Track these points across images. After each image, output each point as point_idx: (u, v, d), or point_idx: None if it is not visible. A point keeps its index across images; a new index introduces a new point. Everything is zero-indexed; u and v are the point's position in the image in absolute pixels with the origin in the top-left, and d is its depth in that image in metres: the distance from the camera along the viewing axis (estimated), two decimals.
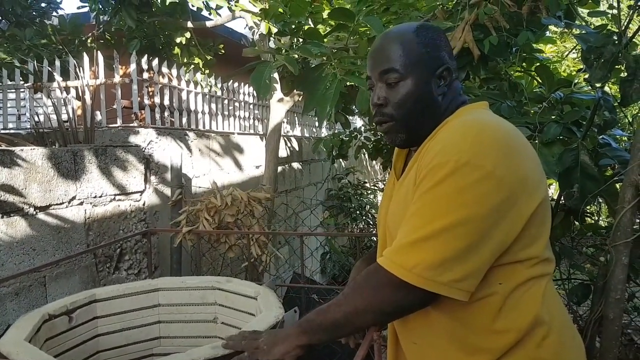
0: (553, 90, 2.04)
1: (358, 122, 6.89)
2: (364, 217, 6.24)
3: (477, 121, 0.91)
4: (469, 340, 0.89)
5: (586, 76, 1.83)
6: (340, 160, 5.97)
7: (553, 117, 1.98)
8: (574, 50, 4.36)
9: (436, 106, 0.96)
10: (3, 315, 1.82)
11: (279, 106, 3.79)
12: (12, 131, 3.25)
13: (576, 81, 2.07)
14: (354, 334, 1.00)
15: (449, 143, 0.86)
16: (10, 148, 2.07)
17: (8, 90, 3.39)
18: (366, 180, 7.43)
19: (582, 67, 1.92)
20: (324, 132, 6.33)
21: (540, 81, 2.17)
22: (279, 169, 4.31)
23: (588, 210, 2.58)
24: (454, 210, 0.81)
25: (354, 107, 3.51)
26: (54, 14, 5.03)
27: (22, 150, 1.97)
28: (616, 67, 1.79)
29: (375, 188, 7.19)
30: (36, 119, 2.96)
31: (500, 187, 0.83)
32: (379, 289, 0.86)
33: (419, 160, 0.92)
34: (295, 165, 5.25)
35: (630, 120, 2.51)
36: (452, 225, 0.81)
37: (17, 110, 3.35)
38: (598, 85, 1.81)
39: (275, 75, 3.22)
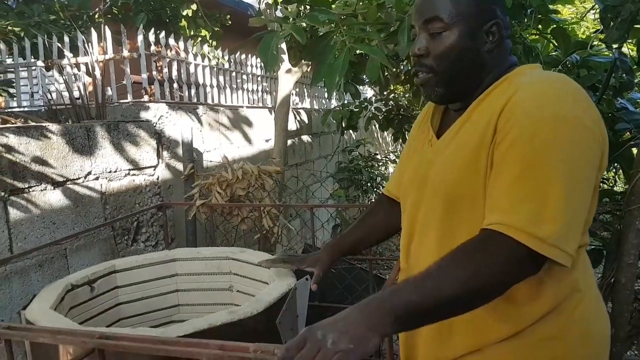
0: (569, 54, 1.96)
1: (368, 92, 6.82)
2: (374, 190, 6.24)
3: (560, 76, 0.86)
4: (505, 308, 0.85)
5: (603, 37, 1.78)
6: (351, 132, 5.94)
7: None
8: (592, 10, 4.20)
9: (481, 63, 0.90)
10: (28, 285, 1.90)
11: (287, 77, 3.76)
12: (25, 109, 3.29)
13: (594, 43, 2.00)
14: (452, 317, 0.79)
15: (542, 98, 0.80)
16: (26, 125, 2.11)
17: (20, 69, 3.42)
18: (377, 152, 7.39)
19: (600, 28, 1.85)
20: (334, 104, 6.29)
21: (556, 44, 2.08)
22: (289, 142, 4.31)
23: (604, 177, 2.54)
24: (569, 171, 0.76)
25: (364, 76, 3.47)
26: None
27: (37, 127, 2.01)
28: (635, 26, 1.70)
29: (387, 160, 7.15)
30: (49, 96, 2.99)
31: (598, 145, 0.81)
32: (507, 260, 0.75)
33: (487, 116, 0.85)
34: (305, 138, 5.25)
35: None
36: (571, 189, 0.76)
37: (30, 88, 3.38)
38: (615, 46, 1.76)
39: (283, 45, 3.18)
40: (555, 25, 2.10)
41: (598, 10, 1.77)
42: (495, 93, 0.88)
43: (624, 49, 1.93)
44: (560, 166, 0.76)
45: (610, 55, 1.86)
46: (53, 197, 2.04)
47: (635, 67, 1.85)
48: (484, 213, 0.82)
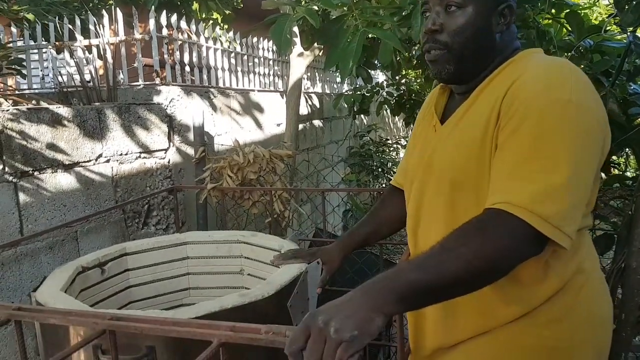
0: (583, 38, 1.96)
1: (380, 76, 6.75)
2: (385, 175, 6.22)
3: (563, 61, 0.87)
4: (513, 290, 0.87)
5: (617, 21, 1.76)
6: (362, 117, 5.90)
7: (582, 66, 1.92)
8: None
9: (492, 43, 0.91)
10: (39, 267, 1.91)
11: (299, 61, 3.72)
12: (36, 91, 3.29)
13: (607, 28, 1.97)
14: (457, 296, 0.79)
15: (546, 82, 0.81)
16: (37, 106, 2.10)
17: (31, 51, 3.42)
18: (388, 137, 7.34)
19: (614, 12, 1.83)
20: (345, 88, 6.23)
21: (569, 29, 2.09)
22: (300, 126, 4.28)
23: (615, 162, 2.52)
24: (575, 154, 0.77)
25: (375, 60, 3.43)
26: None
27: (47, 109, 2.00)
28: None
29: (398, 145, 7.11)
30: (60, 78, 2.99)
31: (600, 128, 0.83)
32: (511, 238, 0.76)
33: (491, 100, 0.86)
34: (317, 122, 5.21)
35: None
36: (575, 171, 0.77)
37: (41, 71, 3.38)
38: (630, 29, 1.74)
39: (295, 29, 3.14)
40: (568, 10, 2.09)
41: None
42: (499, 77, 0.89)
43: (638, 34, 1.91)
44: (565, 148, 0.77)
45: (624, 40, 1.84)
46: (64, 180, 2.04)
47: None
48: (488, 194, 0.83)
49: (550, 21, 2.29)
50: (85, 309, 1.18)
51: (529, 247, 0.77)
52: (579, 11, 2.24)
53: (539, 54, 0.93)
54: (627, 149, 2.19)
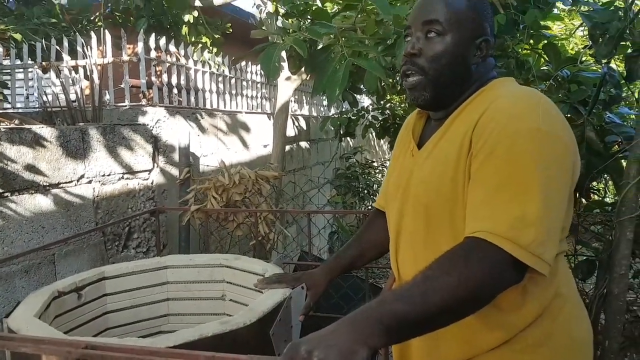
0: (560, 68, 2.04)
1: (365, 101, 6.83)
2: (371, 197, 6.24)
3: (531, 91, 0.90)
4: (494, 316, 0.87)
5: (592, 52, 1.83)
6: (348, 139, 5.95)
7: (560, 95, 1.98)
8: (581, 28, 4.31)
9: (468, 73, 0.94)
10: (13, 292, 1.85)
11: (287, 85, 3.76)
12: (20, 110, 3.26)
13: (583, 58, 2.05)
14: (442, 326, 0.78)
15: (516, 111, 0.84)
16: (19, 126, 2.08)
17: (16, 70, 3.39)
18: (374, 160, 7.40)
19: (589, 44, 1.91)
20: (332, 111, 6.29)
21: (547, 59, 2.16)
22: (287, 148, 4.30)
23: (595, 187, 2.58)
24: (546, 181, 0.79)
25: (361, 86, 3.48)
26: None
27: (30, 129, 1.98)
28: (622, 43, 1.78)
29: (383, 167, 7.16)
30: (44, 98, 2.97)
31: (570, 156, 0.85)
32: (492, 267, 0.76)
33: (464, 128, 0.88)
34: (303, 144, 5.23)
35: (637, 97, 2.49)
36: (548, 198, 0.78)
37: (26, 90, 3.36)
38: (604, 61, 1.81)
39: (283, 53, 3.18)
40: (546, 41, 2.17)
41: (586, 28, 1.83)
42: (471, 106, 0.92)
43: (612, 65, 2.00)
44: (537, 176, 0.79)
45: (599, 70, 1.91)
46: (43, 201, 2.01)
47: (623, 81, 1.90)
48: (464, 222, 0.85)
49: (528, 51, 2.37)
50: (59, 337, 1.14)
51: (510, 275, 0.78)
52: (556, 42, 2.33)
53: (509, 82, 0.96)
54: (605, 176, 2.24)
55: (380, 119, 4.19)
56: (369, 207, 6.17)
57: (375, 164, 7.07)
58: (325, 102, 6.42)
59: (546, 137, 0.81)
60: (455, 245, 0.80)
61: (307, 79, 3.93)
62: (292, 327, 1.34)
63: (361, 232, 1.30)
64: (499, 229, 0.77)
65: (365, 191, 6.19)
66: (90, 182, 2.26)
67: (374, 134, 4.33)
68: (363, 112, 4.23)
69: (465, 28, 0.92)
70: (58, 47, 3.23)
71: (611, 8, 1.81)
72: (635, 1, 1.85)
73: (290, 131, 4.67)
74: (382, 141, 7.22)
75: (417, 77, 0.94)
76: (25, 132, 1.94)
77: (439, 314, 0.74)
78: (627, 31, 1.71)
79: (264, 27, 3.27)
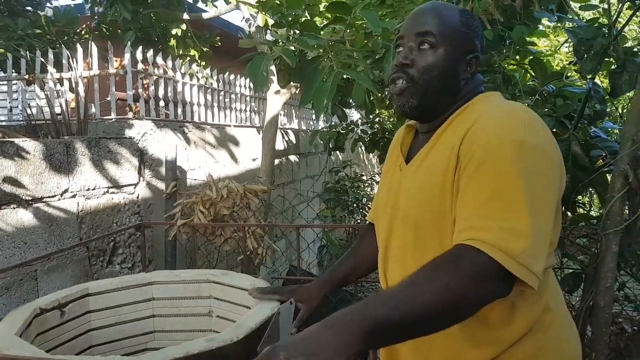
0: (546, 83, 2.08)
1: (355, 115, 6.86)
2: (360, 210, 6.23)
3: (517, 105, 0.91)
4: (482, 332, 0.87)
5: (577, 68, 1.86)
6: (338, 153, 5.96)
7: (546, 109, 2.02)
8: (566, 44, 4.40)
9: (456, 87, 0.96)
10: None
11: (276, 98, 3.76)
12: (3, 123, 3.21)
13: (568, 74, 2.10)
14: (424, 334, 0.77)
15: (502, 124, 0.85)
16: (1, 140, 2.03)
17: (0, 83, 3.35)
18: (363, 173, 7.41)
19: (574, 60, 1.95)
20: (321, 125, 6.31)
21: (533, 74, 2.20)
22: (276, 161, 4.28)
23: (580, 201, 2.61)
24: (533, 193, 0.79)
25: (350, 100, 3.49)
26: (48, 4, 4.99)
27: (13, 142, 1.94)
28: (606, 59, 1.82)
29: (373, 181, 7.18)
30: (29, 111, 2.92)
31: (556, 168, 0.86)
32: (480, 274, 0.75)
33: (451, 142, 0.89)
34: (292, 158, 5.22)
35: (621, 113, 2.54)
36: (536, 210, 0.79)
37: (9, 103, 3.31)
38: (589, 76, 1.85)
39: (272, 67, 3.18)
40: (532, 57, 2.22)
41: (571, 44, 1.87)
42: (457, 120, 0.93)
43: (597, 81, 2.04)
44: (525, 189, 0.79)
45: (584, 85, 1.95)
46: (26, 216, 1.96)
47: (608, 97, 1.94)
48: (453, 235, 0.84)
49: (515, 67, 2.41)
50: (40, 356, 1.10)
51: (497, 287, 0.77)
52: (542, 58, 2.37)
53: (496, 97, 0.97)
54: (591, 189, 2.27)
55: (369, 133, 4.22)
56: (359, 221, 6.17)
57: (364, 178, 7.09)
58: (314, 116, 6.44)
59: (532, 150, 0.81)
60: (444, 252, 0.79)
61: (296, 92, 3.94)
62: None
63: (355, 246, 1.30)
64: (489, 237, 0.77)
65: (355, 205, 6.18)
66: (74, 196, 2.22)
67: (363, 147, 4.34)
68: (352, 126, 4.26)
69: (458, 43, 0.94)
70: (43, 59, 3.20)
71: (595, 25, 1.85)
72: (619, 18, 1.89)
73: (280, 145, 4.66)
74: (371, 155, 7.24)
75: (406, 85, 0.95)
76: (7, 145, 1.90)
77: (423, 320, 0.73)
78: (611, 47, 1.75)
79: (253, 39, 3.28)
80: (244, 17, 3.79)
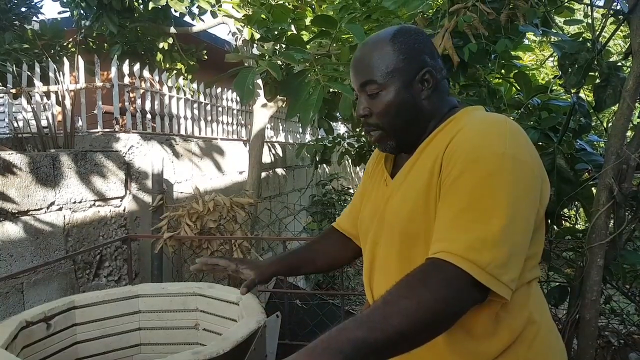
0: (531, 97, 2.09)
1: (341, 128, 6.92)
2: None
3: (498, 116, 0.91)
4: (466, 344, 0.87)
5: (562, 82, 1.88)
6: (324, 166, 5.99)
7: (531, 122, 2.03)
8: (551, 58, 4.48)
9: (421, 111, 0.95)
10: None
11: (263, 112, 3.79)
12: None
13: (553, 88, 2.12)
14: (403, 352, 0.76)
15: (482, 136, 0.85)
16: None
17: None
18: (350, 187, 7.44)
19: (559, 74, 1.97)
20: (308, 138, 6.34)
21: (518, 88, 2.22)
22: (263, 174, 4.30)
23: (566, 214, 2.63)
24: (510, 204, 0.79)
25: (337, 113, 3.54)
26: (35, 18, 4.97)
27: None
28: (590, 73, 1.83)
29: None
30: (15, 124, 2.91)
31: (536, 180, 0.86)
32: (450, 287, 0.75)
33: (434, 155, 0.90)
34: (279, 171, 5.24)
35: (606, 127, 2.58)
36: (512, 221, 0.79)
37: None
38: (573, 90, 1.86)
39: (259, 81, 3.22)
40: (517, 70, 2.23)
41: (556, 58, 1.89)
42: (441, 134, 0.93)
43: (581, 94, 2.05)
44: (502, 199, 0.79)
45: (569, 99, 1.97)
46: (12, 228, 1.95)
47: (592, 110, 1.96)
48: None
49: (500, 80, 2.43)
50: None
51: (469, 296, 0.77)
52: (527, 72, 2.41)
53: (478, 110, 0.98)
54: (576, 203, 2.28)
55: (356, 146, 4.25)
56: None
57: (351, 191, 7.11)
58: (301, 130, 6.47)
59: (512, 162, 0.82)
60: (415, 268, 0.80)
61: (283, 106, 3.97)
62: (266, 356, 1.33)
63: (314, 241, 1.30)
64: (458, 248, 0.77)
65: None
66: (60, 209, 2.21)
67: (349, 161, 4.37)
68: (339, 139, 4.29)
69: (401, 73, 0.93)
70: (30, 73, 3.20)
71: (579, 39, 1.86)
72: (602, 33, 1.93)
73: (266, 158, 4.69)
74: (358, 168, 7.28)
75: (377, 132, 0.98)
76: None
77: (399, 339, 0.71)
78: (595, 62, 1.76)
79: (239, 53, 3.31)
80: (230, 31, 3.83)
